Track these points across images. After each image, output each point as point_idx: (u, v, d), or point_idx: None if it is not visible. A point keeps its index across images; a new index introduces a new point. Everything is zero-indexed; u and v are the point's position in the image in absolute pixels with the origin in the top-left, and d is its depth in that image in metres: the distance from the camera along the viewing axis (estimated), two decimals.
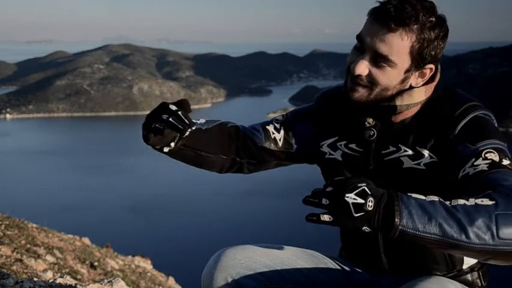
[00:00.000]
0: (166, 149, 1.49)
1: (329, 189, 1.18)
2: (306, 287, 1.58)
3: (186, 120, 1.39)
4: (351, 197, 1.15)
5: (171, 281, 9.41)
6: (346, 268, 1.67)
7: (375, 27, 1.41)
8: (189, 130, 1.40)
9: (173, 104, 1.44)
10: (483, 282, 1.56)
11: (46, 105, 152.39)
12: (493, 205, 1.16)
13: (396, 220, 1.14)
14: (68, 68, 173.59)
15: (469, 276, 1.54)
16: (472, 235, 1.13)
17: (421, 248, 1.43)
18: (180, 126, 1.38)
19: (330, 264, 1.67)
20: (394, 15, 1.37)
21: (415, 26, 1.38)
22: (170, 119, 1.39)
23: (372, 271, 1.65)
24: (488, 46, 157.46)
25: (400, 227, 1.14)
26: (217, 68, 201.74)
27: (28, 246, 5.40)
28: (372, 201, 1.15)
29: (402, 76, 1.45)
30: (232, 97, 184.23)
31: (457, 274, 1.53)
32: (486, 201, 1.17)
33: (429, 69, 1.46)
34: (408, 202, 1.16)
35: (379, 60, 1.42)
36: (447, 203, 1.18)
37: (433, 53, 1.42)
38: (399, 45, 1.39)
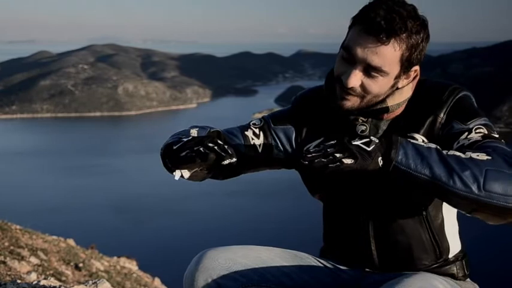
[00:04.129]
0: (187, 175, 1.49)
1: (331, 143, 1.27)
2: (289, 287, 1.58)
3: (229, 151, 1.41)
4: (357, 140, 1.28)
5: (157, 281, 9.38)
6: (331, 268, 1.67)
7: (365, 40, 1.42)
8: (229, 161, 1.40)
9: (221, 140, 1.45)
10: (466, 271, 1.63)
11: (30, 106, 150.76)
12: (488, 161, 1.27)
13: (392, 155, 1.26)
14: (52, 68, 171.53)
15: (453, 266, 1.60)
16: (458, 181, 1.24)
17: (411, 237, 1.56)
18: (222, 154, 1.40)
19: (314, 264, 1.67)
20: (385, 27, 1.39)
21: (404, 34, 1.41)
22: (215, 147, 1.40)
23: (359, 266, 1.66)
24: (472, 46, 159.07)
25: (394, 162, 1.27)
26: (202, 68, 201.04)
27: (11, 248, 5.35)
28: (374, 138, 1.29)
29: (392, 82, 1.49)
30: (218, 97, 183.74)
31: (443, 264, 1.59)
32: (482, 156, 1.28)
33: (414, 71, 1.51)
34: (406, 144, 1.29)
35: (372, 71, 1.44)
36: (444, 151, 1.29)
37: (419, 56, 1.47)
38: (392, 55, 1.42)
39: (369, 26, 1.40)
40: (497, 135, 1.41)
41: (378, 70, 1.43)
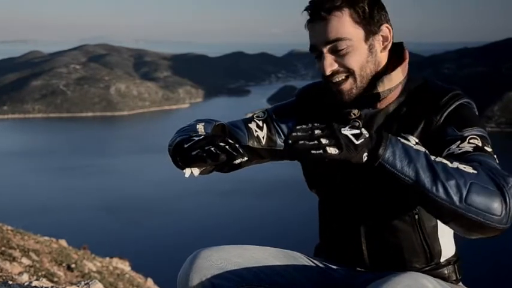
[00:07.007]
0: (196, 172, 1.53)
1: (320, 127, 1.26)
2: (283, 287, 1.58)
3: (240, 150, 1.42)
4: (347, 130, 1.26)
5: (150, 282, 9.38)
6: (324, 268, 1.67)
7: (314, 27, 1.50)
8: (240, 160, 1.42)
9: (229, 137, 1.47)
10: (458, 276, 1.61)
11: (21, 106, 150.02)
12: (473, 174, 1.25)
13: (380, 152, 1.25)
14: (43, 68, 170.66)
15: (445, 270, 1.59)
16: (441, 190, 1.23)
17: (402, 239, 1.56)
18: (234, 153, 1.41)
19: (308, 264, 1.67)
20: (321, 6, 1.47)
21: (339, 1, 1.47)
22: (227, 147, 1.42)
23: (351, 266, 1.66)
24: (463, 46, 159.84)
25: (381, 160, 1.26)
26: (195, 68, 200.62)
27: (3, 249, 5.33)
28: (365, 131, 1.27)
29: (366, 47, 1.50)
30: (210, 97, 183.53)
31: (435, 267, 1.58)
32: (468, 169, 1.26)
33: (386, 28, 1.52)
34: (395, 143, 1.28)
35: (337, 46, 1.47)
36: (432, 157, 1.28)
37: (375, 12, 1.49)
38: (341, 22, 1.46)
39: (311, 15, 1.50)
40: (490, 149, 1.39)
41: (339, 40, 1.46)
